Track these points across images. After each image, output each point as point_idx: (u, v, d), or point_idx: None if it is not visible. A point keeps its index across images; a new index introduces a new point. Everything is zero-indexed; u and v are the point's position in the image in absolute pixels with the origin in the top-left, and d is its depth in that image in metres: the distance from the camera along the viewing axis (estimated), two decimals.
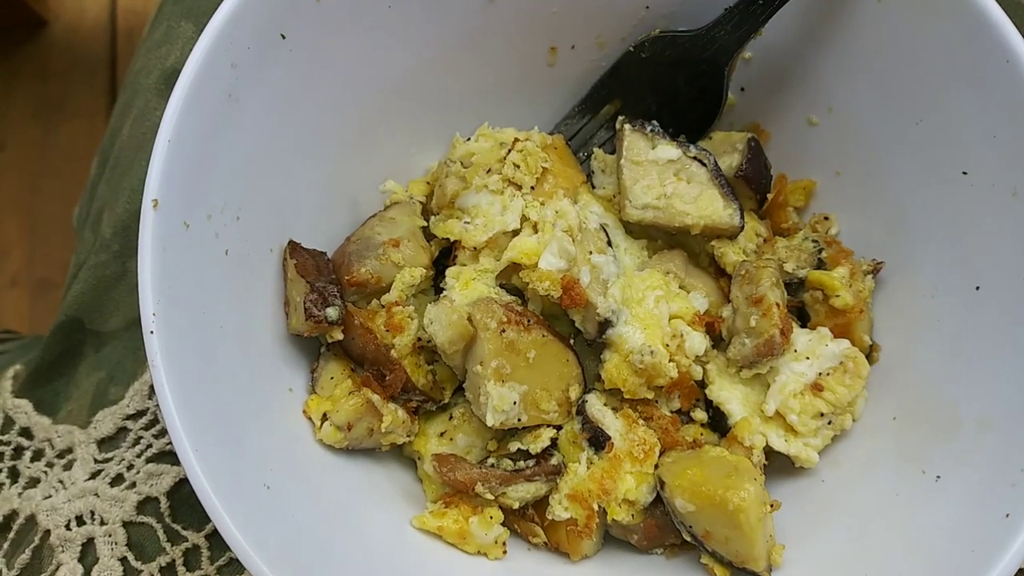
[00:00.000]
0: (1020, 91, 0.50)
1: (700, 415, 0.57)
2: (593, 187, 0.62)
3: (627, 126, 0.58)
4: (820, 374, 0.55)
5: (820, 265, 0.59)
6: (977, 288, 0.53)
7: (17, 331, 1.21)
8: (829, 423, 0.56)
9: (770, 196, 0.62)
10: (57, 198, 1.84)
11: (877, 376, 0.57)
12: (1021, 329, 0.50)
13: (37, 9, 1.86)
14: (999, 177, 0.52)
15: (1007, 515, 0.44)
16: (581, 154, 0.65)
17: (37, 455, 0.62)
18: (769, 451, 0.56)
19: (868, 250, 0.59)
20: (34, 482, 0.62)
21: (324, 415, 0.52)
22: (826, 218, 0.62)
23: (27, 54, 1.92)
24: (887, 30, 0.54)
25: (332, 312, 0.52)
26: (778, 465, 0.58)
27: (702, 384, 0.57)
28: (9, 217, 1.90)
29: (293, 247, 0.54)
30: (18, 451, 0.63)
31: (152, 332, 0.44)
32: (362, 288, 0.55)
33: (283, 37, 0.51)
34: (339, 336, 0.53)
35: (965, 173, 0.53)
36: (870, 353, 0.58)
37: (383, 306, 0.55)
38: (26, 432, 0.63)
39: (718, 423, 0.57)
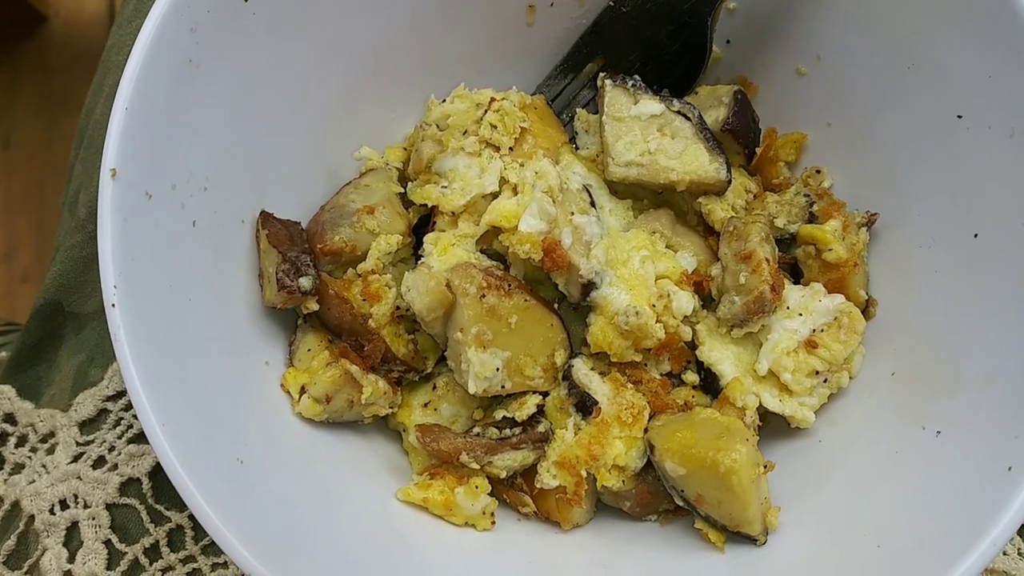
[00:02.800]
0: (1015, 28, 0.47)
1: (691, 377, 0.56)
2: (577, 148, 0.60)
3: (608, 82, 0.56)
4: (814, 331, 0.53)
5: (812, 219, 0.57)
6: (975, 236, 0.50)
7: (20, 324, 1.21)
8: (825, 381, 0.54)
9: (759, 150, 0.60)
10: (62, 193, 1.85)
11: (874, 332, 0.55)
12: (1022, 276, 0.48)
13: (36, 5, 1.87)
14: (995, 118, 0.49)
15: (1009, 468, 0.42)
16: (564, 115, 0.63)
17: (21, 440, 0.62)
18: (764, 412, 0.54)
19: (862, 202, 0.57)
20: (19, 468, 0.61)
21: (302, 388, 0.51)
22: (818, 171, 0.59)
23: (28, 50, 1.93)
24: None
25: (305, 282, 0.51)
26: (774, 426, 0.56)
27: (692, 345, 0.56)
28: (18, 214, 1.91)
29: (265, 217, 0.53)
30: (2, 437, 0.62)
31: (114, 305, 0.43)
32: (336, 257, 0.53)
33: (244, 0, 0.49)
34: (314, 307, 0.52)
35: (960, 117, 0.51)
36: (867, 308, 0.56)
37: (359, 275, 0.54)
38: (10, 418, 0.62)
39: (710, 385, 0.55)
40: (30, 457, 0.61)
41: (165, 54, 0.46)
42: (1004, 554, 0.55)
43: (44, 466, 0.59)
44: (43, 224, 1.93)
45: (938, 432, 0.48)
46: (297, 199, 0.56)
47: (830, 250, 0.55)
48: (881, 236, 0.57)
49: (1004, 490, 0.42)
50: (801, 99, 0.59)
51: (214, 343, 0.48)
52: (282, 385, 0.52)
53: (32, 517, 0.58)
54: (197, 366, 0.46)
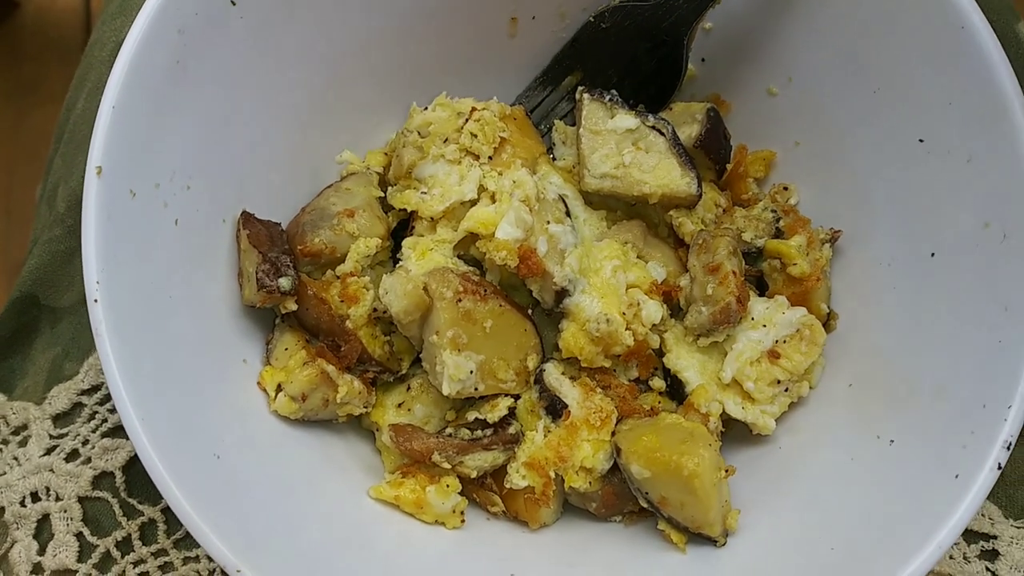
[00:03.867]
0: (974, 57, 0.49)
1: (658, 383, 0.57)
2: (554, 159, 0.61)
3: (586, 95, 0.58)
4: (777, 342, 0.55)
5: (778, 234, 0.59)
6: (932, 255, 0.53)
7: None
8: (786, 390, 0.56)
9: (729, 167, 0.62)
10: (32, 182, 1.82)
11: (834, 344, 0.58)
12: (975, 295, 0.50)
13: None
14: (954, 144, 0.52)
15: (956, 475, 0.45)
16: (543, 126, 0.64)
17: None
18: (728, 419, 0.56)
19: (827, 219, 0.59)
20: None
21: (278, 386, 0.52)
22: (785, 188, 0.62)
23: None
24: None
25: (285, 282, 0.51)
26: (736, 433, 0.58)
27: (660, 353, 0.57)
28: None
29: (246, 217, 0.54)
30: None
31: (96, 300, 0.43)
32: (316, 258, 0.54)
33: (232, 3, 0.50)
34: (293, 307, 0.53)
35: (921, 141, 0.53)
36: (828, 321, 0.58)
37: (338, 277, 0.55)
38: None
39: (676, 391, 0.57)
40: (1, 450, 0.61)
41: (153, 54, 0.47)
42: (951, 558, 0.57)
43: (16, 458, 0.59)
44: (11, 214, 1.89)
45: (891, 441, 0.50)
46: (278, 200, 0.56)
47: (794, 264, 0.57)
48: (844, 252, 0.59)
49: (951, 496, 0.44)
50: (772, 118, 0.62)
51: (193, 340, 0.49)
52: (259, 383, 0.53)
53: (2, 509, 0.58)
54: (176, 362, 0.47)
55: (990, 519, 0.58)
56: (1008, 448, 0.44)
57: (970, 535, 0.58)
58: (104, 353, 0.43)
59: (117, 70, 0.46)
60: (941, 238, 0.53)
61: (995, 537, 0.58)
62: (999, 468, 0.44)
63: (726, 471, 0.52)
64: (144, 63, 0.47)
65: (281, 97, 0.55)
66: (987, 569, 0.57)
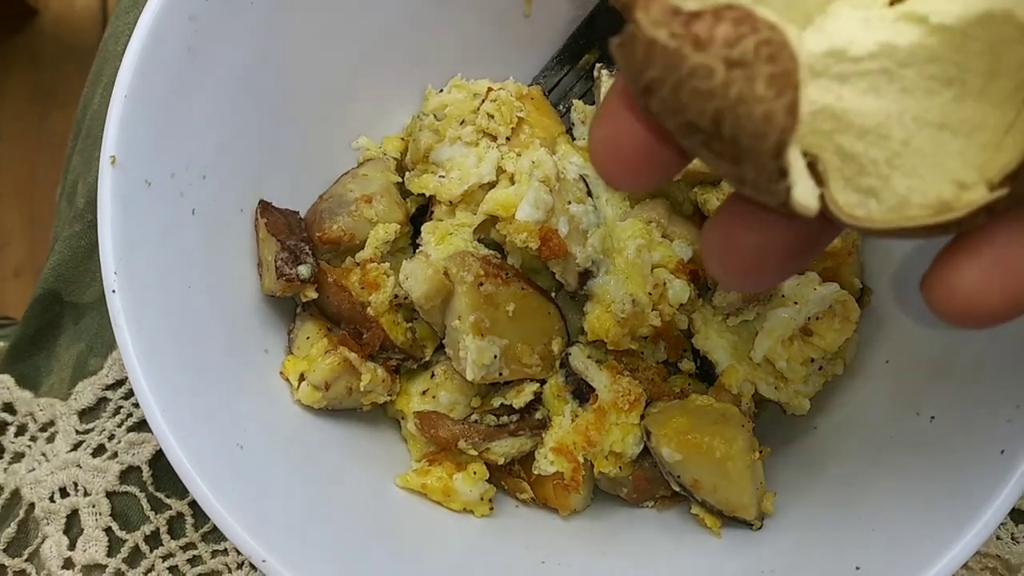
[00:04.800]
0: None
1: (687, 365, 0.56)
2: (573, 138, 0.60)
3: (604, 72, 0.57)
4: (809, 319, 0.54)
5: None
6: None
7: (15, 317, 1.21)
8: (820, 369, 0.54)
9: None
10: (54, 186, 1.84)
11: (869, 320, 0.56)
12: None
13: None
14: None
15: (1002, 451, 0.43)
16: (561, 106, 0.63)
17: (20, 430, 0.62)
18: (761, 400, 0.55)
19: None
20: (19, 457, 0.61)
21: (301, 375, 0.51)
22: None
23: (18, 44, 1.92)
24: None
25: (304, 270, 0.51)
26: (770, 414, 0.57)
27: (689, 334, 0.56)
28: (9, 209, 1.91)
29: (264, 206, 0.53)
30: (2, 427, 0.62)
31: (114, 291, 0.43)
32: (335, 245, 0.54)
33: None
34: (313, 295, 0.52)
35: None
36: (861, 296, 0.56)
37: (357, 263, 0.54)
38: (9, 407, 0.63)
39: (706, 373, 0.56)
40: (29, 446, 0.61)
41: (164, 42, 0.46)
42: (998, 538, 0.55)
43: (44, 454, 0.59)
44: (35, 218, 1.92)
45: (932, 417, 0.48)
46: (295, 188, 0.56)
47: None
48: None
49: (997, 473, 0.42)
50: None
51: (213, 330, 0.49)
52: (281, 372, 0.52)
53: (32, 505, 0.58)
54: (197, 353, 0.47)
55: None
56: None
57: (1018, 515, 0.56)
58: (124, 344, 0.43)
59: (128, 59, 0.45)
60: None
61: None
62: None
63: (760, 452, 0.51)
64: (155, 51, 0.46)
65: (295, 84, 0.55)
66: None
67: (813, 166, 0.26)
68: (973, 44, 0.24)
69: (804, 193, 0.24)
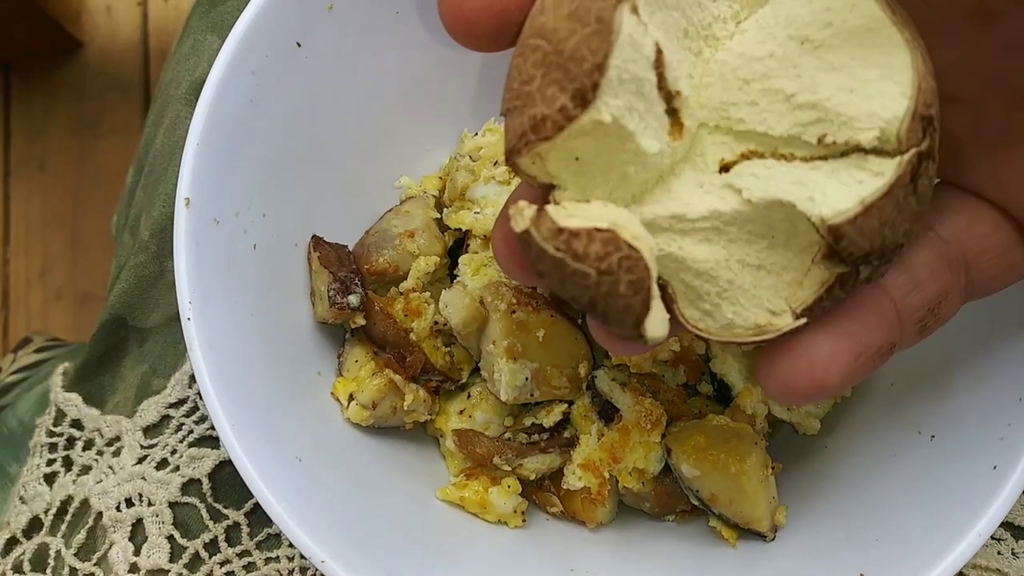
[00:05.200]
0: None
1: (705, 388, 0.60)
2: None
3: None
4: None
5: None
6: None
7: (64, 339, 1.27)
8: None
9: None
10: (96, 212, 1.92)
11: None
12: (1005, 291, 0.52)
13: (73, 32, 1.94)
14: None
15: (995, 467, 0.47)
16: None
17: (88, 444, 0.67)
18: (775, 420, 0.59)
19: None
20: (86, 469, 0.66)
21: (350, 395, 0.56)
22: None
23: (65, 76, 2.00)
24: None
25: (354, 299, 0.56)
26: (784, 434, 0.61)
27: (707, 358, 0.60)
28: (53, 233, 1.98)
29: (317, 241, 0.58)
30: (71, 441, 0.68)
31: (189, 319, 0.48)
32: (381, 277, 0.59)
33: (299, 45, 0.55)
34: (361, 322, 0.57)
35: None
36: None
37: (401, 293, 0.59)
38: (77, 423, 0.68)
39: (723, 395, 0.60)
40: (96, 459, 0.66)
41: (230, 95, 0.52)
42: (999, 553, 0.59)
43: (111, 467, 0.64)
44: (75, 243, 1.99)
45: (932, 436, 0.52)
46: (344, 224, 0.61)
47: None
48: None
49: (989, 487, 0.46)
50: None
51: (272, 354, 0.54)
52: (332, 393, 0.57)
53: (100, 514, 0.63)
54: (258, 374, 0.52)
55: None
56: None
57: (1018, 531, 0.60)
58: (197, 366, 0.47)
59: (200, 111, 0.50)
60: None
61: None
62: None
63: (772, 468, 0.55)
64: (222, 103, 0.51)
65: (344, 129, 0.60)
66: None
67: (665, 288, 0.34)
68: (776, 212, 0.31)
69: (656, 330, 0.31)
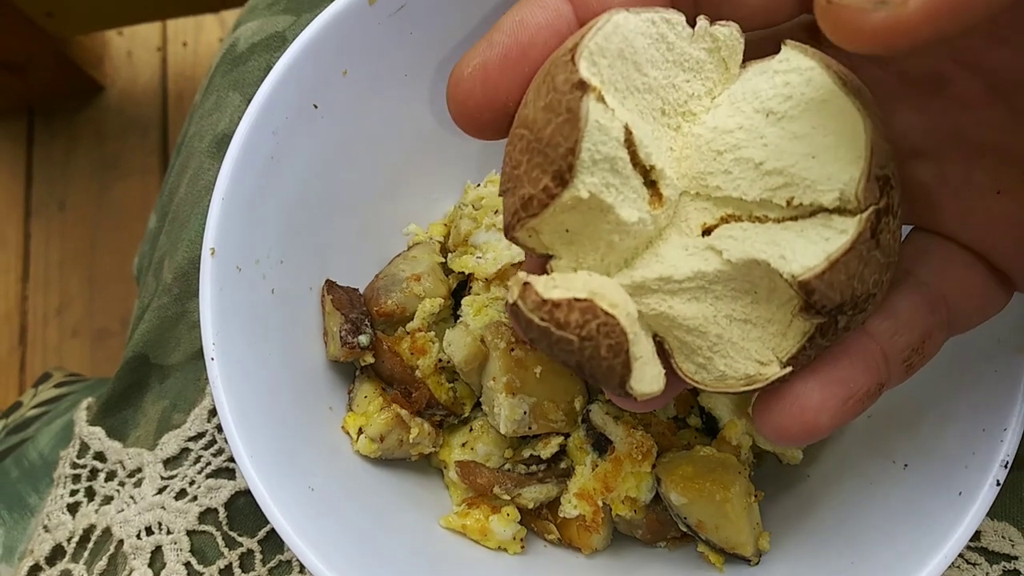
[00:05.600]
0: None
1: (694, 421, 0.64)
2: None
3: None
4: None
5: None
6: None
7: (81, 374, 1.32)
8: None
9: None
10: (113, 251, 1.97)
11: None
12: (972, 331, 0.56)
13: (95, 76, 2.00)
14: None
15: (960, 493, 0.50)
16: None
17: (110, 476, 0.71)
18: (760, 451, 0.62)
19: None
20: (108, 499, 0.70)
21: (360, 429, 0.60)
22: None
23: (86, 118, 2.06)
24: None
25: (364, 339, 0.60)
26: (769, 464, 0.64)
27: (695, 392, 0.64)
28: (71, 272, 2.03)
29: (330, 285, 0.63)
30: (93, 472, 0.71)
31: (213, 359, 0.52)
32: (389, 318, 0.63)
33: (315, 107, 0.59)
34: (370, 360, 0.61)
35: None
36: None
37: (408, 333, 0.63)
38: (100, 456, 0.72)
39: (710, 427, 0.63)
40: (118, 490, 0.70)
41: (253, 153, 0.56)
42: None
43: (132, 497, 0.68)
44: (93, 282, 2.04)
45: (905, 465, 0.56)
46: (355, 269, 0.65)
47: None
48: None
49: (955, 511, 0.50)
50: None
51: (288, 391, 0.58)
52: (343, 427, 0.61)
53: (121, 542, 0.67)
54: (275, 409, 0.56)
55: (1011, 541, 0.63)
56: (1005, 467, 0.49)
57: (992, 556, 0.63)
58: (219, 401, 0.51)
59: (225, 168, 0.55)
60: None
61: (1016, 558, 0.62)
62: (998, 485, 0.49)
63: (755, 496, 0.58)
64: (246, 161, 0.56)
65: (355, 181, 0.65)
66: None
67: (661, 344, 0.37)
68: (755, 270, 0.34)
69: (647, 386, 0.35)
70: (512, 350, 0.59)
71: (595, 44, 0.33)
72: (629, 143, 0.34)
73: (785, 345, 0.35)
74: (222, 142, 0.71)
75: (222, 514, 0.66)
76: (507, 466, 0.63)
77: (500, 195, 0.36)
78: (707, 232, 0.35)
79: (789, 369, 0.35)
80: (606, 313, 0.33)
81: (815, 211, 0.34)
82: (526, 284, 0.34)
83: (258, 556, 0.65)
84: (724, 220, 0.35)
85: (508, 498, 0.60)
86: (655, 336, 0.36)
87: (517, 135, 0.34)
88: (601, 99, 0.33)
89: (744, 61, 0.37)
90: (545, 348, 0.34)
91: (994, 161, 0.36)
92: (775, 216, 0.34)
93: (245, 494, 0.66)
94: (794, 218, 0.34)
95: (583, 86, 0.33)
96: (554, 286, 0.34)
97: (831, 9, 0.26)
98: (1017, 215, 0.37)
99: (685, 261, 0.35)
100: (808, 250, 0.33)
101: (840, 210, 0.34)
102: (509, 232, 0.36)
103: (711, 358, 0.36)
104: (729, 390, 0.36)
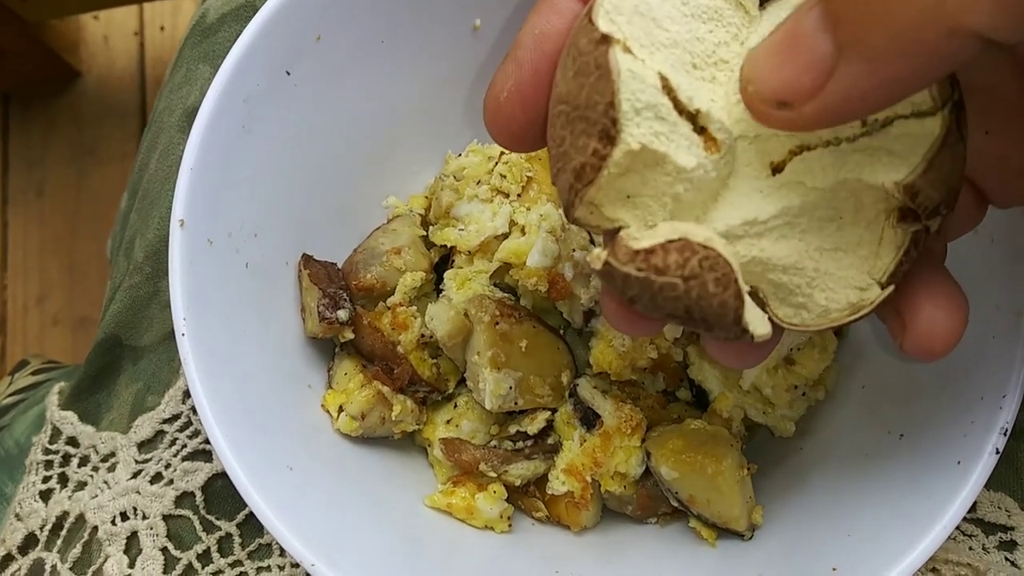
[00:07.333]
0: None
1: (684, 394, 0.62)
2: None
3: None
4: (791, 350, 0.60)
5: None
6: None
7: (60, 362, 1.29)
8: (803, 395, 0.60)
9: None
10: (93, 238, 1.94)
11: (848, 350, 0.62)
12: (970, 296, 0.54)
13: (72, 62, 1.97)
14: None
15: (959, 462, 0.49)
16: None
17: (83, 461, 0.69)
18: (752, 424, 0.61)
19: None
20: (82, 485, 0.68)
21: (340, 407, 0.58)
22: None
23: (63, 104, 2.03)
24: None
25: (343, 314, 0.58)
26: (762, 437, 0.63)
27: (685, 365, 0.62)
28: (51, 259, 1.99)
29: (306, 259, 0.60)
30: (66, 458, 0.69)
31: (183, 335, 0.50)
32: (369, 292, 0.61)
33: (288, 73, 0.57)
34: (350, 336, 0.59)
35: None
36: (839, 329, 0.62)
37: (388, 308, 0.61)
38: (72, 441, 0.69)
39: (700, 400, 0.62)
40: (92, 475, 0.67)
41: (223, 122, 0.54)
42: (971, 548, 0.60)
43: (106, 482, 0.66)
44: (73, 269, 2.00)
45: (901, 435, 0.54)
46: (333, 243, 0.63)
47: None
48: None
49: (954, 482, 0.48)
50: None
51: (264, 368, 0.56)
52: (323, 405, 0.59)
53: (95, 528, 0.65)
54: (250, 387, 0.54)
55: (1007, 512, 0.61)
56: (1004, 434, 0.48)
57: (989, 527, 0.61)
58: (191, 380, 0.49)
59: (194, 136, 0.53)
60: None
61: (1012, 528, 0.61)
62: (997, 453, 0.48)
63: (748, 469, 0.57)
64: (215, 130, 0.54)
65: (332, 152, 0.62)
66: (1006, 559, 0.60)
67: (755, 294, 0.35)
68: (840, 192, 0.33)
69: (759, 327, 0.33)
70: (497, 323, 0.58)
71: (609, 3, 0.32)
72: (668, 89, 0.32)
73: (880, 264, 0.34)
74: (192, 115, 0.68)
75: (199, 497, 0.64)
76: (493, 443, 0.61)
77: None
78: (777, 170, 0.34)
79: (891, 288, 0.34)
80: (704, 247, 0.31)
81: (887, 122, 0.32)
82: (615, 240, 0.33)
83: (237, 540, 0.63)
84: (793, 153, 0.33)
85: (494, 475, 0.59)
86: (748, 286, 0.35)
87: (555, 113, 0.33)
88: (627, 50, 0.31)
89: (762, 1, 0.36)
90: (648, 303, 0.32)
91: (983, 103, 0.36)
92: (847, 135, 0.33)
93: (222, 476, 0.64)
94: (867, 134, 0.33)
95: (607, 40, 0.31)
96: (639, 239, 0.32)
97: (746, 97, 0.31)
98: (1001, 153, 0.38)
99: (764, 200, 0.33)
100: (896, 158, 0.32)
101: (916, 114, 0.32)
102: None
103: (811, 294, 0.35)
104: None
